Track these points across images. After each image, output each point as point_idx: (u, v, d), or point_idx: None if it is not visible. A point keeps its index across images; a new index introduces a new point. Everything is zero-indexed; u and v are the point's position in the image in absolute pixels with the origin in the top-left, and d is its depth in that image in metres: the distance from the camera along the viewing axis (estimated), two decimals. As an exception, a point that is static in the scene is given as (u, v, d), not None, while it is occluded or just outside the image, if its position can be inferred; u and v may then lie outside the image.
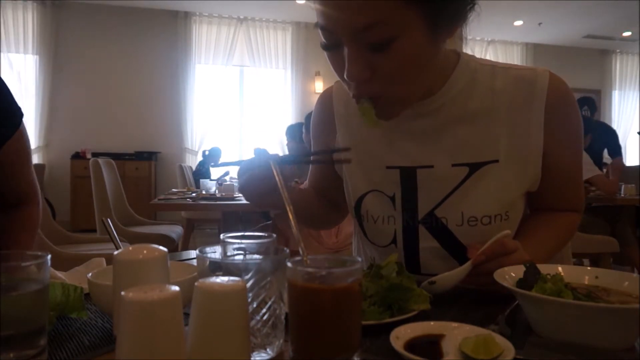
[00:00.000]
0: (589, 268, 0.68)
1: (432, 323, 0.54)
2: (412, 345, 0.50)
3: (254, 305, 0.50)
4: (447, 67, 0.83)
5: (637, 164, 5.84)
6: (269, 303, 0.51)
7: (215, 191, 3.53)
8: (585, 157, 3.13)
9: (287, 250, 0.54)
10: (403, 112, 0.79)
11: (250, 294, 0.49)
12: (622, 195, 3.31)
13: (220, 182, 3.53)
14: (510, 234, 0.76)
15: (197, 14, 6.83)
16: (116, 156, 5.69)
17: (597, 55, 8.48)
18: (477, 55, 0.88)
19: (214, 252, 0.57)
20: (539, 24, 7.20)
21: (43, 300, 0.49)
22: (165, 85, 6.77)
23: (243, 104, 7.24)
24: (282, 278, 0.51)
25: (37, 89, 6.28)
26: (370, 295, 0.63)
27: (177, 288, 0.41)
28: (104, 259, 0.86)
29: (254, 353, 0.50)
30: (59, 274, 0.79)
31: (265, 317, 0.50)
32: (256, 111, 7.18)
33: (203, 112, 6.85)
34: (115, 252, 0.53)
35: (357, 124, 0.93)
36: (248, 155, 0.83)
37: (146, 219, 3.85)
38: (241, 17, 6.90)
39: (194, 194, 3.49)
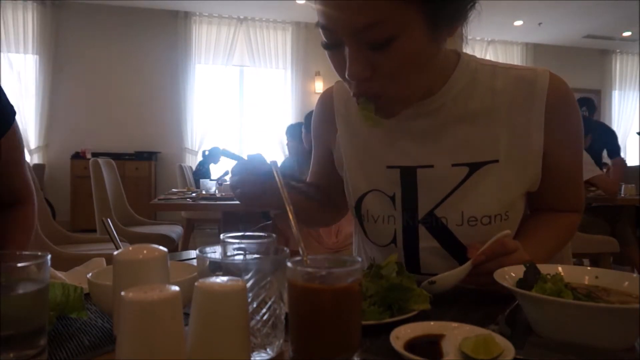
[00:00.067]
0: (589, 268, 0.68)
1: (432, 323, 0.54)
2: (412, 345, 0.50)
3: (254, 305, 0.50)
4: (448, 67, 0.83)
5: (637, 164, 5.85)
6: (269, 303, 0.51)
7: (215, 191, 3.52)
8: (586, 157, 3.13)
9: (287, 250, 0.54)
10: (403, 111, 0.79)
11: (250, 294, 0.49)
12: (622, 195, 3.31)
13: (220, 182, 3.53)
14: (510, 234, 0.76)
15: (197, 14, 6.83)
16: (116, 156, 5.69)
17: (597, 55, 8.48)
18: (477, 55, 0.88)
19: (214, 252, 0.57)
20: (539, 24, 7.20)
21: (43, 300, 0.49)
22: (165, 85, 6.77)
23: (243, 104, 7.24)
24: (282, 278, 0.51)
25: (37, 89, 6.28)
26: (370, 295, 0.63)
27: (177, 288, 0.41)
28: (104, 259, 0.86)
29: (254, 353, 0.50)
30: (59, 274, 0.79)
31: (265, 317, 0.50)
32: (256, 111, 7.18)
33: (203, 112, 6.85)
34: (115, 252, 0.53)
35: (358, 124, 0.93)
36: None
37: (146, 219, 3.85)
38: (241, 17, 6.90)
39: (194, 194, 3.49)
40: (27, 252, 0.50)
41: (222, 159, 5.94)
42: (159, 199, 3.25)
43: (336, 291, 0.47)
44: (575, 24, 7.15)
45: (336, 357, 0.46)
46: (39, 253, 0.50)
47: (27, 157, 6.11)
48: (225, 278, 0.45)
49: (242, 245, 0.59)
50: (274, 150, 7.01)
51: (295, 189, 0.87)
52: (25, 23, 6.28)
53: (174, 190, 4.14)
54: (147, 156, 6.53)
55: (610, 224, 3.43)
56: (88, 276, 0.60)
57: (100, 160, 3.33)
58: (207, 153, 6.07)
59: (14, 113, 1.01)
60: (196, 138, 6.87)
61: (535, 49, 8.13)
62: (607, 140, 3.90)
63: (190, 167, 5.91)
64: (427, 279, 0.74)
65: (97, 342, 0.56)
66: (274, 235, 0.61)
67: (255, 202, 0.86)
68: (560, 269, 0.67)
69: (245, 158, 0.85)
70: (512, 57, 8.06)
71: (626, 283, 0.63)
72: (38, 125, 6.30)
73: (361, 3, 0.65)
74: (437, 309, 0.66)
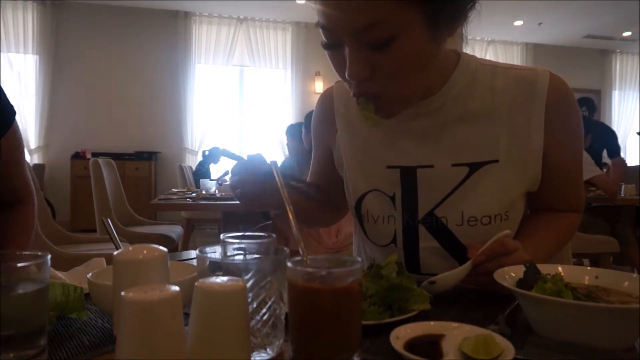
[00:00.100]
0: (589, 268, 0.68)
1: (432, 323, 0.54)
2: (412, 345, 0.50)
3: (254, 305, 0.50)
4: (448, 67, 0.83)
5: (637, 164, 5.84)
6: (269, 303, 0.51)
7: (215, 191, 3.52)
8: (586, 157, 3.13)
9: (287, 250, 0.54)
10: (403, 111, 0.79)
11: (250, 294, 0.49)
12: (622, 195, 3.31)
13: (220, 182, 3.53)
14: (510, 234, 0.76)
15: (197, 14, 6.83)
16: (116, 156, 5.69)
17: (597, 55, 8.48)
18: (477, 55, 0.88)
19: (214, 252, 0.57)
20: (539, 24, 7.20)
21: (43, 300, 0.49)
22: (165, 85, 6.77)
23: (243, 104, 7.24)
24: (282, 278, 0.51)
25: (37, 89, 6.28)
26: (370, 295, 0.63)
27: (177, 288, 0.41)
28: (104, 259, 0.86)
29: (254, 353, 0.50)
30: (59, 274, 0.79)
31: (265, 317, 0.50)
32: (256, 111, 7.18)
33: (203, 112, 6.85)
34: (115, 252, 0.53)
35: (358, 124, 0.93)
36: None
37: (146, 219, 3.85)
38: (241, 17, 6.90)
39: (194, 194, 3.49)
40: (27, 252, 0.50)
41: (222, 159, 5.94)
42: (159, 199, 3.25)
43: (336, 291, 0.47)
44: (575, 24, 7.15)
45: (336, 357, 0.46)
46: (39, 253, 0.50)
47: (27, 157, 6.11)
48: (225, 278, 0.45)
49: (242, 245, 0.59)
50: (274, 150, 7.01)
51: (295, 189, 0.87)
52: (25, 23, 6.28)
53: (174, 190, 4.14)
54: (147, 156, 6.53)
55: (610, 224, 3.43)
56: (88, 276, 0.60)
57: (100, 160, 3.33)
58: (207, 153, 6.07)
59: (14, 113, 1.01)
60: (196, 138, 6.87)
61: (535, 49, 8.13)
62: (607, 140, 3.90)
63: (190, 167, 5.91)
64: (427, 279, 0.74)
65: (97, 342, 0.56)
66: (274, 235, 0.61)
67: (255, 202, 0.86)
68: (560, 269, 0.67)
69: (245, 158, 0.85)
70: (512, 57, 8.06)
71: (626, 283, 0.63)
72: (38, 125, 6.30)
73: (361, 3, 0.65)
74: (437, 309, 0.66)
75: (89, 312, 0.65)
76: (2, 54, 5.97)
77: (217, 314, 0.43)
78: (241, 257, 0.58)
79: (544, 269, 0.65)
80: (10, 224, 1.04)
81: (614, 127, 7.75)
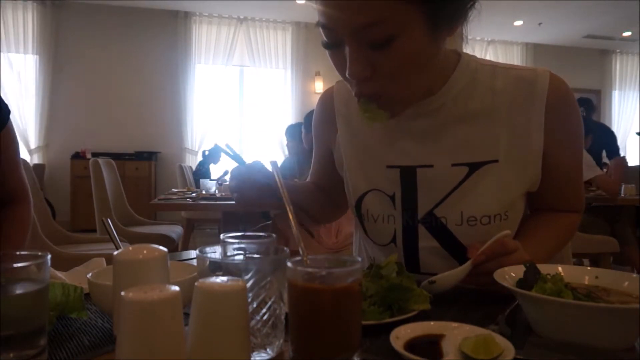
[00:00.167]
0: (589, 268, 0.68)
1: (432, 323, 0.54)
2: (412, 345, 0.50)
3: (254, 305, 0.50)
4: (448, 67, 0.83)
5: (637, 164, 5.84)
6: (269, 303, 0.51)
7: (215, 191, 3.52)
8: (587, 158, 3.13)
9: (287, 250, 0.54)
10: (404, 111, 0.80)
11: (250, 294, 0.49)
12: (622, 195, 3.31)
13: (220, 182, 3.53)
14: (510, 234, 0.76)
15: (197, 14, 6.82)
16: (116, 156, 5.69)
17: (597, 55, 8.48)
18: (477, 55, 0.88)
19: (214, 252, 0.57)
20: (539, 24, 7.20)
21: (43, 300, 0.49)
22: (165, 85, 6.77)
23: (243, 104, 7.24)
24: (282, 278, 0.51)
25: (37, 89, 6.27)
26: (370, 295, 0.63)
27: (177, 288, 0.41)
28: (104, 259, 0.86)
29: (254, 353, 0.50)
30: (59, 274, 0.79)
31: (265, 317, 0.50)
32: (256, 111, 7.18)
33: (203, 112, 6.84)
34: (115, 252, 0.53)
35: (358, 124, 0.93)
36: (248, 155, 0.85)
37: (146, 219, 3.84)
38: (241, 17, 6.90)
39: (194, 194, 3.48)
40: (27, 252, 0.50)
41: (222, 158, 5.95)
42: (159, 199, 3.25)
43: (336, 291, 0.47)
44: (575, 24, 7.15)
45: (336, 357, 0.46)
46: (39, 253, 0.50)
47: (27, 157, 6.12)
48: (225, 278, 0.45)
49: (242, 245, 0.59)
50: (274, 150, 7.01)
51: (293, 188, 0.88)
52: (25, 23, 6.27)
53: (174, 190, 4.14)
54: (147, 156, 6.53)
55: (610, 224, 3.43)
56: (88, 276, 0.60)
57: (100, 160, 3.33)
58: (206, 153, 6.07)
59: (9, 112, 1.01)
60: (196, 138, 6.87)
61: (535, 49, 8.13)
62: (606, 141, 3.90)
63: (190, 167, 5.91)
64: (427, 278, 0.74)
65: (97, 342, 0.56)
66: (274, 235, 0.61)
67: (253, 205, 0.88)
68: (560, 269, 0.67)
69: (243, 157, 0.86)
70: (512, 57, 8.06)
71: (626, 283, 0.63)
72: (38, 125, 6.29)
73: (361, 2, 0.65)
74: (437, 309, 0.66)
75: (89, 312, 0.65)
76: (2, 54, 5.97)
77: (217, 314, 0.43)
78: (241, 257, 0.58)
79: (544, 269, 0.65)
80: (5, 222, 1.04)
81: (614, 127, 7.76)
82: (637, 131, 6.59)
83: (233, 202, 0.87)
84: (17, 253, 0.50)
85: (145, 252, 0.53)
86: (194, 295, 0.43)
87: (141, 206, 4.23)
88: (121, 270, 0.52)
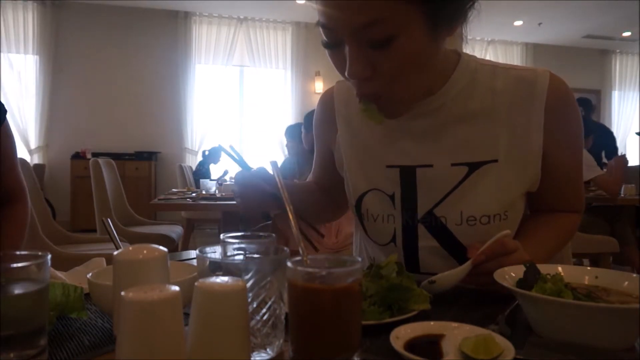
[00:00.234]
0: (589, 268, 0.68)
1: (432, 323, 0.54)
2: (412, 345, 0.50)
3: (254, 305, 0.50)
4: (448, 67, 0.83)
5: (637, 164, 5.84)
6: (269, 303, 0.51)
7: (215, 191, 3.52)
8: (587, 158, 3.13)
9: (287, 250, 0.54)
10: (405, 113, 0.80)
11: (250, 294, 0.49)
12: (622, 195, 3.31)
13: (220, 182, 3.53)
14: (510, 234, 0.76)
15: (197, 14, 6.82)
16: (116, 156, 5.69)
17: (597, 55, 8.48)
18: (477, 55, 0.88)
19: (214, 252, 0.57)
20: (539, 24, 7.20)
21: (43, 300, 0.49)
22: (165, 85, 6.76)
23: (243, 104, 7.24)
24: (282, 278, 0.51)
25: (37, 89, 6.27)
26: (370, 295, 0.63)
27: (177, 288, 0.41)
28: (104, 259, 0.86)
29: (254, 353, 0.50)
30: (59, 274, 0.79)
31: (265, 317, 0.50)
32: (256, 111, 7.18)
33: (203, 112, 6.84)
34: (115, 252, 0.53)
35: (358, 124, 0.93)
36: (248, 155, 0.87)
37: (146, 219, 3.85)
38: (241, 17, 6.90)
39: (194, 194, 3.49)
40: (27, 252, 0.50)
41: (222, 158, 5.95)
42: (159, 199, 3.25)
43: (336, 291, 0.47)
44: (575, 24, 7.15)
45: (336, 357, 0.46)
46: (39, 253, 0.50)
47: (27, 158, 6.12)
48: (225, 278, 0.45)
49: (242, 245, 0.59)
50: (274, 150, 7.01)
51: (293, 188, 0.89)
52: (25, 23, 6.27)
53: (174, 190, 4.14)
54: (147, 156, 6.53)
55: (610, 224, 3.43)
56: (88, 276, 0.60)
57: (100, 160, 3.33)
58: (207, 153, 6.07)
59: (5, 112, 1.02)
60: (196, 138, 6.87)
61: (535, 49, 8.13)
62: (606, 141, 3.90)
63: (190, 167, 5.91)
64: (427, 278, 0.74)
65: (97, 342, 0.56)
66: (274, 235, 0.61)
67: (255, 208, 0.93)
68: (560, 269, 0.67)
69: (244, 158, 0.87)
70: (512, 57, 8.06)
71: (626, 283, 0.63)
72: (38, 125, 6.29)
73: (361, 2, 0.65)
74: (437, 309, 0.66)
75: (89, 312, 0.65)
76: (2, 54, 5.97)
77: (217, 314, 0.43)
78: (241, 257, 0.58)
79: (544, 269, 0.65)
80: (3, 221, 1.04)
81: (614, 127, 7.76)
82: (637, 131, 6.58)
83: (233, 202, 0.89)
84: (17, 253, 0.50)
85: (145, 252, 0.53)
86: (194, 295, 0.43)
87: (141, 206, 4.23)
88: (121, 270, 0.52)
